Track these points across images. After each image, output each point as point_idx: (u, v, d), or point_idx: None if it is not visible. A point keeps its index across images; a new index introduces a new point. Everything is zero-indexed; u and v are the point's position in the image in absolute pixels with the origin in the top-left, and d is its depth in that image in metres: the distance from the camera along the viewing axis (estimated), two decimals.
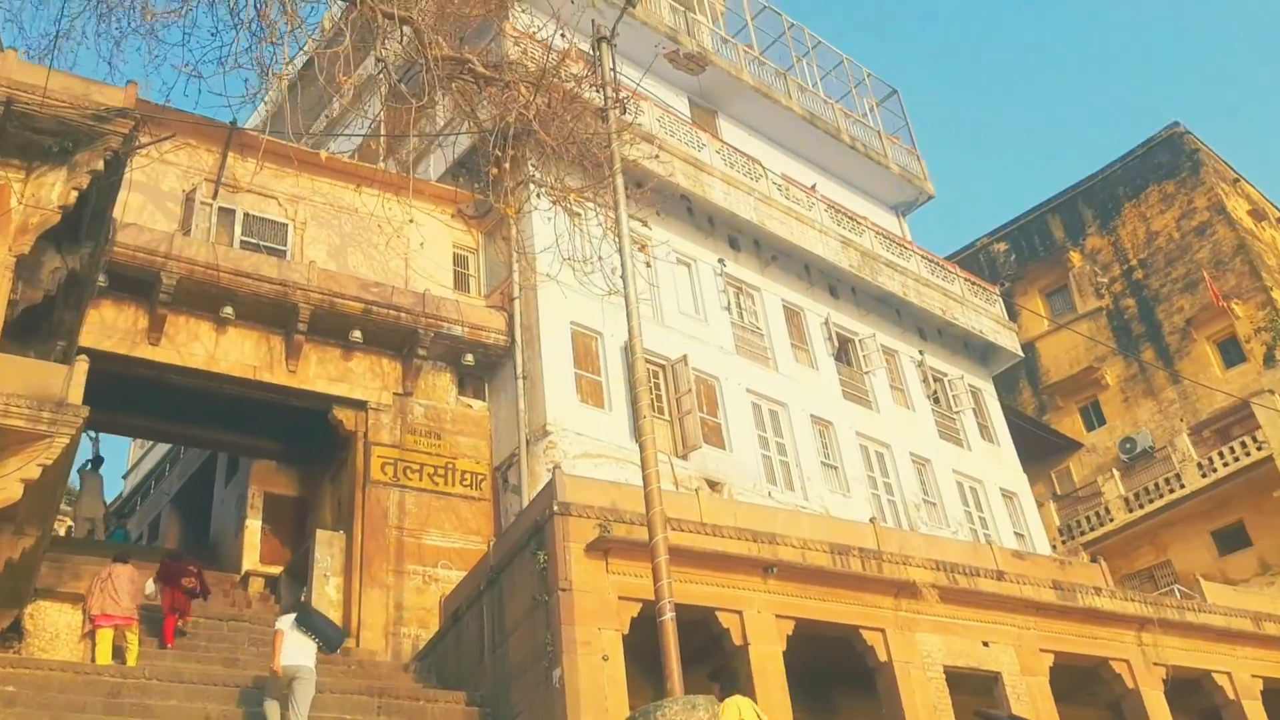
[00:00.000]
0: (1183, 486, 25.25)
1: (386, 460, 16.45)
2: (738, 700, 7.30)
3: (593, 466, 15.73)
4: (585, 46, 13.65)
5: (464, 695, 12.40)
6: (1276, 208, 33.24)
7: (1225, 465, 24.80)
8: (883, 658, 12.74)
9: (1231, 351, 27.89)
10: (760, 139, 25.00)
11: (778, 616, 12.16)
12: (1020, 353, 26.85)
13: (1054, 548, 24.86)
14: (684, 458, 17.71)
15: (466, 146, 18.38)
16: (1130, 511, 25.96)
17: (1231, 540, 25.21)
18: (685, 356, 18.47)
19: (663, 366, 18.40)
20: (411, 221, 18.35)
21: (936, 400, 24.16)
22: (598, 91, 12.55)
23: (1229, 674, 15.96)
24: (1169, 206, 30.26)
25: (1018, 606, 14.12)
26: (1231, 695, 15.89)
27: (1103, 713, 15.75)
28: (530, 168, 14.58)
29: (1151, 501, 25.65)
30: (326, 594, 15.76)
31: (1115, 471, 27.08)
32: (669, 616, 9.56)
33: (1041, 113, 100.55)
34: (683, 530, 12.10)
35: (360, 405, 16.82)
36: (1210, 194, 29.67)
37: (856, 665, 13.16)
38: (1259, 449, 24.27)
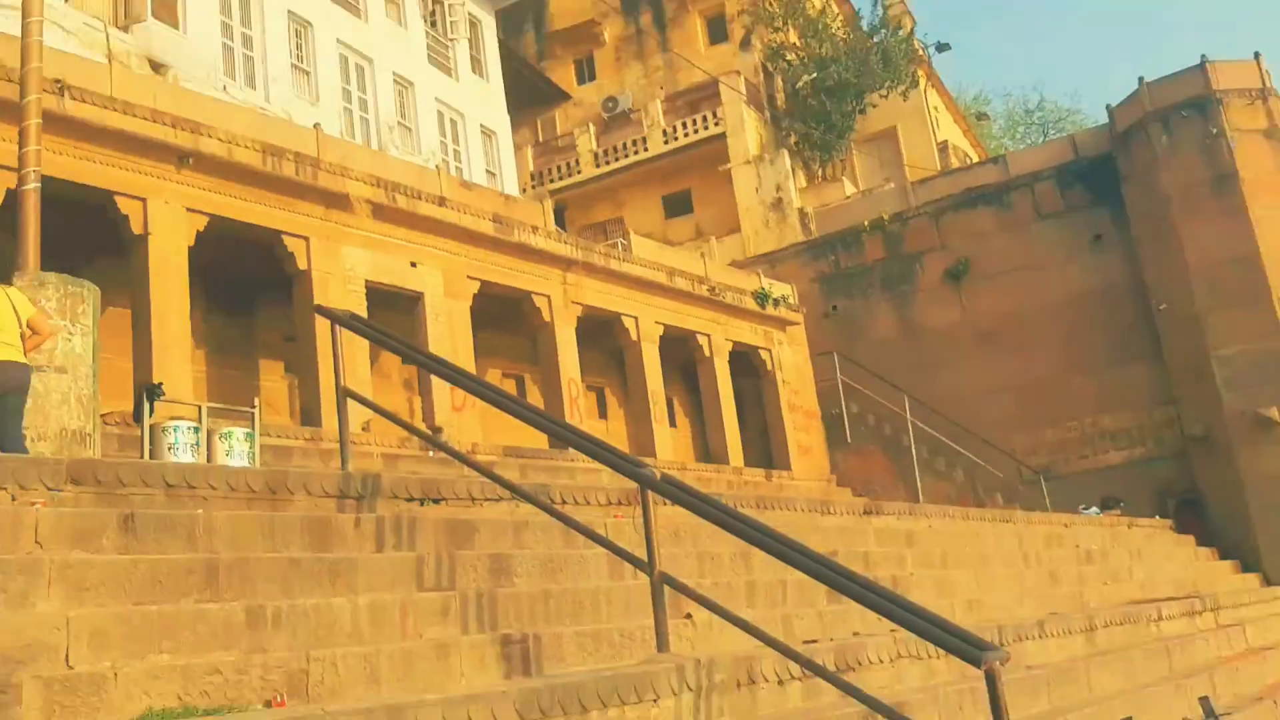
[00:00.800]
0: (646, 150, 26.97)
1: None
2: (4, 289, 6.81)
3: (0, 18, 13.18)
4: None
5: None
6: None
7: (686, 135, 26.70)
8: (303, 266, 12.48)
9: (717, 30, 29.36)
10: None
11: (189, 210, 11.32)
12: None
13: (523, 190, 25.75)
14: (125, 29, 15.51)
15: None
16: (598, 167, 27.40)
17: (678, 206, 27.66)
18: None
19: None
20: None
21: (433, 24, 23.20)
22: None
23: (636, 319, 17.72)
24: None
25: (453, 233, 14.36)
26: (635, 337, 17.71)
27: (522, 341, 16.97)
28: None
29: (618, 159, 27.22)
30: None
31: (592, 127, 28.17)
32: (32, 187, 8.41)
33: None
34: (86, 102, 10.70)
35: None
36: None
37: (280, 272, 12.84)
38: (716, 125, 26.33)
